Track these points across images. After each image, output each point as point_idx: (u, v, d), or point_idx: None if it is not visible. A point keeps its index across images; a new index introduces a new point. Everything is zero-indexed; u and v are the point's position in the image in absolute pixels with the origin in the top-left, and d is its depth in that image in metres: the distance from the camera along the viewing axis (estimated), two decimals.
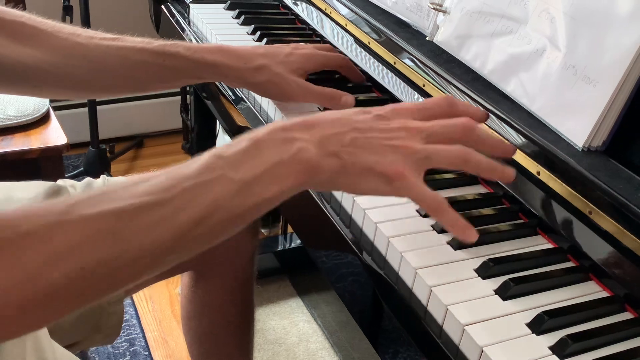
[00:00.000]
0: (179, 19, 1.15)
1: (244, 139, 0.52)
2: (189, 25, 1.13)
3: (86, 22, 1.75)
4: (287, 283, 1.70)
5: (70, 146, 1.31)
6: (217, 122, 1.42)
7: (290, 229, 1.77)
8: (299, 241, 1.74)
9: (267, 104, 0.85)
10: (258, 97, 0.88)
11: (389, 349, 0.75)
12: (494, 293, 0.56)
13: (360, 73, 0.89)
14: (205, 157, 0.50)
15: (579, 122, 0.63)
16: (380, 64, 0.89)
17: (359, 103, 0.87)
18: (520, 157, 0.65)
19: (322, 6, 1.02)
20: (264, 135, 0.52)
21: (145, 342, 1.49)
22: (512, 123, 0.67)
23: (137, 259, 0.45)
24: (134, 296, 1.61)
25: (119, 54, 0.75)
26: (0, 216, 0.42)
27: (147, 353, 1.47)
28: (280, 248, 1.74)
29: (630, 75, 0.60)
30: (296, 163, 0.51)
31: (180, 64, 0.77)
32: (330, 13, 1.00)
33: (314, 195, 0.73)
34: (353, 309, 1.49)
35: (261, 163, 0.50)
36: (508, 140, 0.67)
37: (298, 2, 1.12)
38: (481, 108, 0.63)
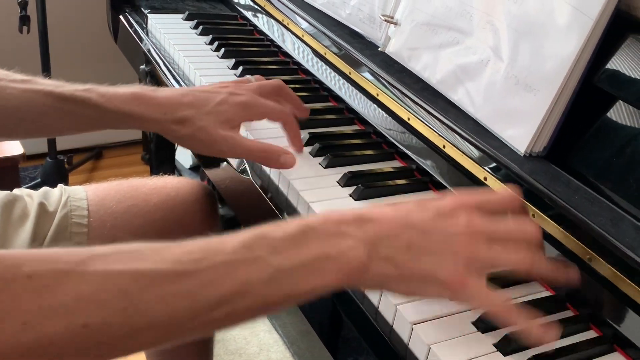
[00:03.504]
0: (137, 29, 1.16)
1: (294, 223, 0.49)
2: (147, 35, 1.13)
3: (43, 32, 1.73)
4: None
5: (27, 157, 1.29)
6: None
7: None
8: None
9: None
10: None
11: (348, 358, 0.76)
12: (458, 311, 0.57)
13: (299, 134, 0.79)
14: (248, 233, 0.47)
15: (521, 129, 0.66)
16: (336, 74, 0.91)
17: (314, 112, 0.89)
18: (467, 163, 0.68)
19: (280, 17, 1.04)
20: (316, 224, 0.49)
21: None
22: (459, 130, 0.70)
23: (146, 328, 0.42)
24: None
25: (25, 96, 0.69)
26: (1, 255, 0.39)
27: None
28: None
29: (568, 83, 0.63)
30: (343, 261, 0.48)
31: (90, 113, 0.70)
32: (288, 25, 1.02)
33: (270, 204, 0.74)
34: (312, 319, 1.49)
35: (305, 253, 0.47)
36: (458, 149, 0.69)
37: (257, 14, 1.13)
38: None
